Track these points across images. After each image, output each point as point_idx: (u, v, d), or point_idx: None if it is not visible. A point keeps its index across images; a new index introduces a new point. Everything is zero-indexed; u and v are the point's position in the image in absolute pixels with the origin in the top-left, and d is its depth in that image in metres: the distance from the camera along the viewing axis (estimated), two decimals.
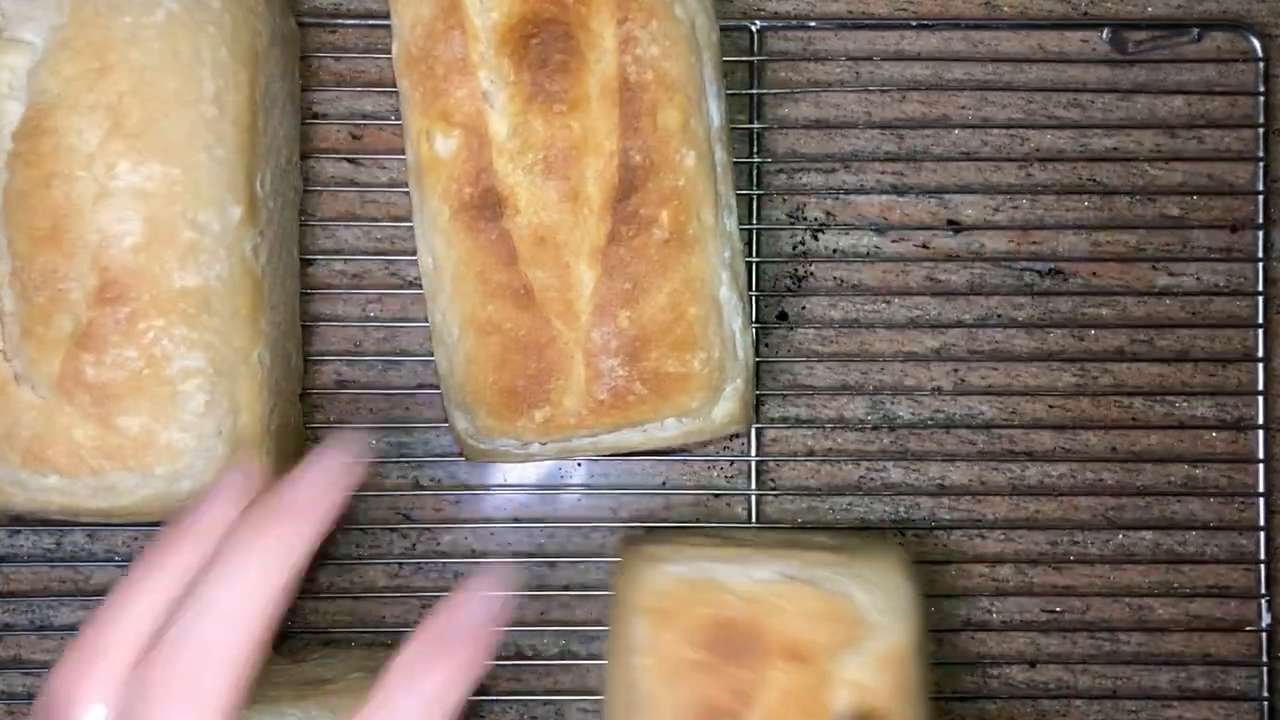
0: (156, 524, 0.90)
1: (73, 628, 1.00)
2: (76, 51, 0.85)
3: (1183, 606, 1.00)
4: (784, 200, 1.01)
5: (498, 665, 0.99)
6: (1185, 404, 1.01)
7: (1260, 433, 1.00)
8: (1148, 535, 1.01)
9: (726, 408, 0.90)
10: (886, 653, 0.86)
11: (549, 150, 0.85)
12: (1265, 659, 1.00)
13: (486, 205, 0.86)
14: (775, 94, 1.01)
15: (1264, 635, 1.00)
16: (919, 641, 0.87)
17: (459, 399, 0.90)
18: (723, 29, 0.97)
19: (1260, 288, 1.01)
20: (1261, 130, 1.01)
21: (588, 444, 0.90)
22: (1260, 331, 1.01)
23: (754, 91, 1.00)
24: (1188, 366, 1.01)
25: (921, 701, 0.87)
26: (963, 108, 1.02)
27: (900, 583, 0.87)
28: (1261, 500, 1.00)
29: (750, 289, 0.97)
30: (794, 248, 1.00)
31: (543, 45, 0.85)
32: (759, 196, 1.00)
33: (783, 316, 1.00)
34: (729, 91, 0.96)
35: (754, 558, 0.88)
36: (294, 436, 0.96)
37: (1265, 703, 0.99)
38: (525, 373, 0.87)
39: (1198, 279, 1.01)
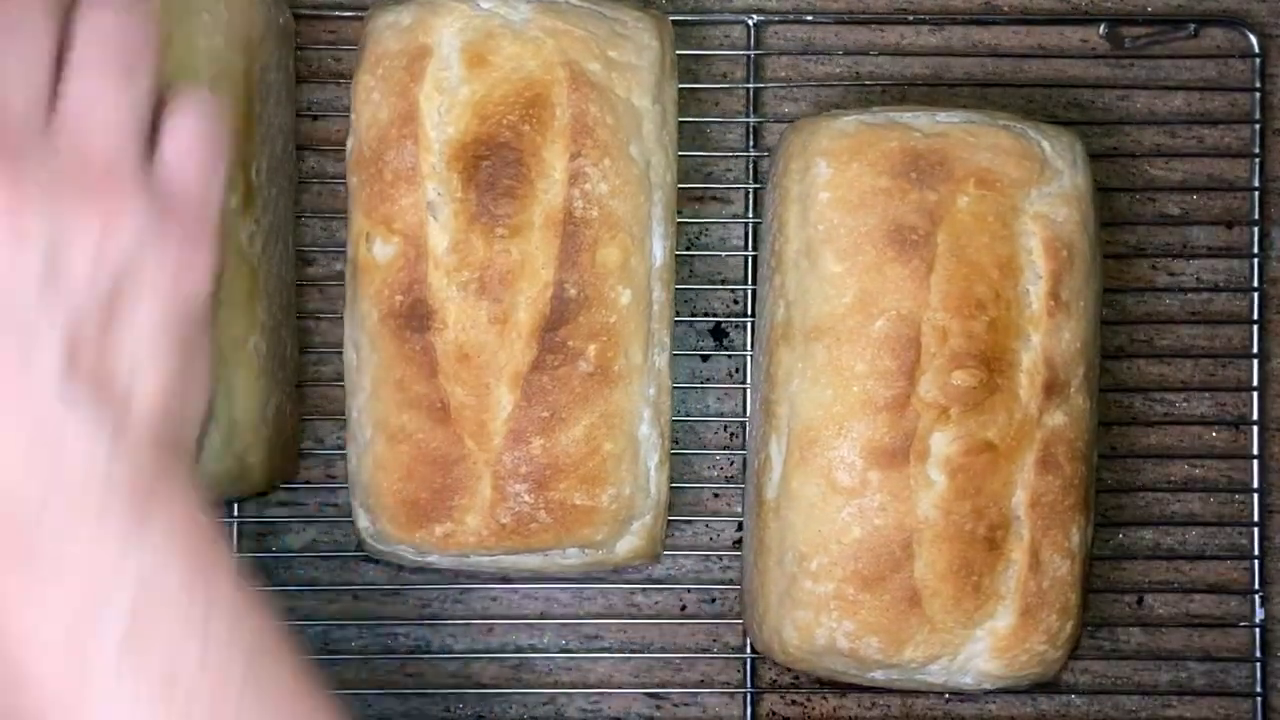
0: None
1: None
2: None
3: (1182, 604, 1.00)
4: (813, 91, 1.02)
5: (498, 665, 0.99)
6: (1184, 401, 1.01)
7: (1256, 429, 1.00)
8: (1147, 533, 1.00)
9: (631, 543, 0.90)
10: (1071, 194, 0.88)
11: (485, 271, 0.85)
12: (1259, 654, 0.99)
13: (415, 315, 0.86)
14: (772, 88, 1.02)
15: (1258, 630, 0.99)
16: (1095, 200, 0.90)
17: (363, 499, 0.90)
18: (719, 23, 1.00)
19: (1257, 284, 1.00)
20: (1258, 126, 1.01)
21: (487, 561, 0.90)
22: (1257, 328, 1.00)
23: (750, 85, 1.01)
24: (1187, 364, 1.01)
25: (1097, 257, 0.90)
26: (963, 107, 1.00)
27: (1076, 141, 0.90)
28: (1256, 496, 1.00)
29: (748, 281, 0.98)
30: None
31: (493, 168, 0.85)
32: (755, 191, 1.00)
33: None
34: (725, 85, 0.99)
35: (937, 108, 0.91)
36: (289, 427, 0.96)
37: (1259, 699, 0.99)
38: (431, 486, 0.87)
39: (1196, 277, 1.01)
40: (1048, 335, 0.86)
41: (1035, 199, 0.87)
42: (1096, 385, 0.90)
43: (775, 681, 1.00)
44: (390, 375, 0.87)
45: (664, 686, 1.00)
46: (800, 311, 0.87)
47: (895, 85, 1.01)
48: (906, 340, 0.85)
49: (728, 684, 1.00)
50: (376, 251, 0.87)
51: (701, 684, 1.00)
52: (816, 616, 0.86)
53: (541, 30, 0.86)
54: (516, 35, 0.86)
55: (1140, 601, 1.00)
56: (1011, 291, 0.86)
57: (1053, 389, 0.86)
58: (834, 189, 0.87)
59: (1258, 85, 1.01)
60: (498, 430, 0.86)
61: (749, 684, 0.99)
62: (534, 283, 0.86)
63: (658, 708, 1.00)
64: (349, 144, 0.89)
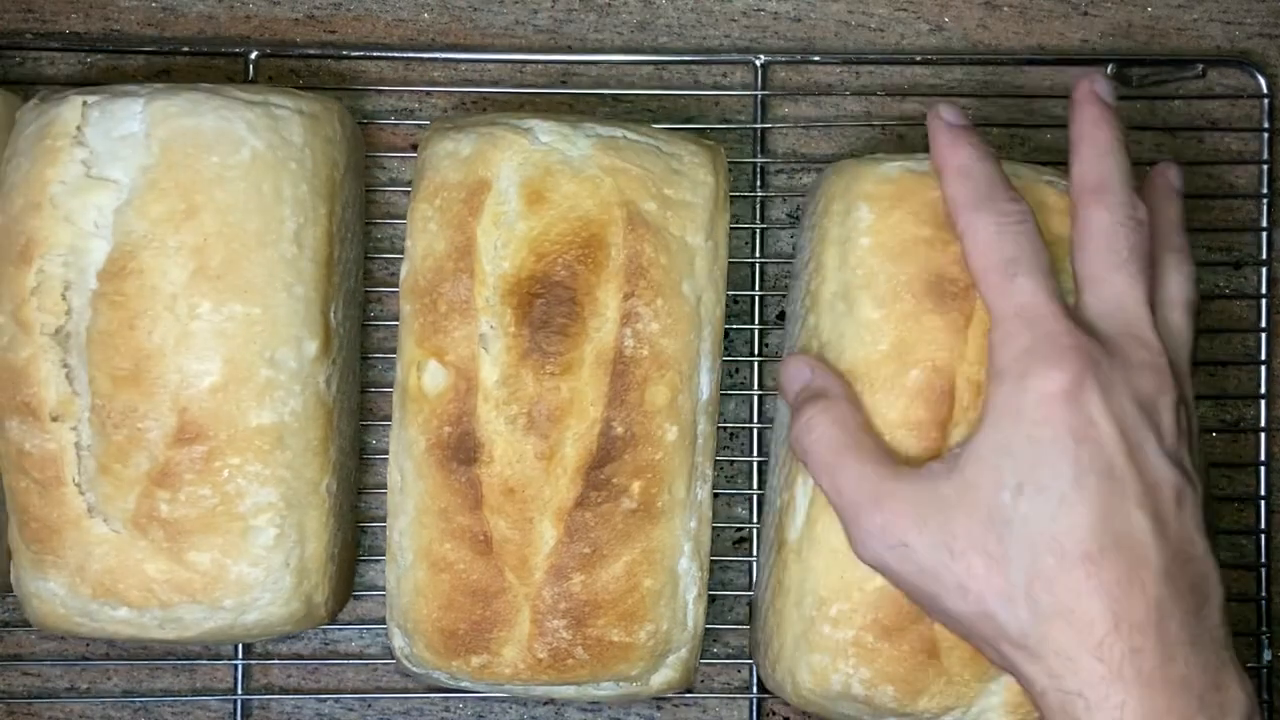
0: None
1: None
2: (164, 192, 0.85)
3: None
4: (784, 200, 1.02)
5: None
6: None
7: (1261, 435, 1.01)
8: None
9: (666, 675, 0.91)
10: None
11: (534, 407, 0.85)
12: (1266, 697, 1.00)
13: (462, 448, 0.86)
14: (775, 95, 1.02)
15: (1264, 639, 1.00)
16: None
17: (401, 621, 0.90)
18: (724, 63, 1.01)
19: (1264, 290, 1.00)
20: (1266, 167, 1.01)
21: (519, 690, 0.90)
22: (1263, 335, 1.00)
23: (758, 93, 1.01)
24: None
25: None
26: (963, 108, 1.00)
27: None
28: (1262, 504, 1.00)
29: (754, 288, 1.00)
30: (794, 247, 0.99)
31: (547, 306, 0.85)
32: (762, 231, 1.01)
33: (782, 316, 1.01)
34: (729, 94, 1.00)
35: None
36: (350, 557, 0.97)
37: (1265, 705, 0.99)
38: (469, 617, 0.87)
39: (1199, 281, 0.99)
40: None
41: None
42: None
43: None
44: (434, 504, 0.87)
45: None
46: (834, 354, 0.87)
47: (903, 125, 1.02)
48: (940, 392, 0.84)
49: (728, 685, 1.01)
50: (427, 381, 0.87)
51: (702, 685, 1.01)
52: (833, 661, 0.86)
53: (599, 168, 0.86)
54: (575, 173, 0.86)
55: None
56: None
57: None
58: (875, 235, 0.86)
59: (1265, 125, 1.01)
60: (539, 565, 0.86)
61: (754, 688, 1.00)
62: (582, 420, 0.85)
63: (658, 708, 1.01)
64: (403, 270, 0.89)
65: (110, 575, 0.87)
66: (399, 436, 0.89)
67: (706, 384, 0.89)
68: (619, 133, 0.88)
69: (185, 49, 1.02)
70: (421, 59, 1.03)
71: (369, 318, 1.01)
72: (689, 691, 0.98)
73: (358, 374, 0.97)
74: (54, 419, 0.86)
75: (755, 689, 1.00)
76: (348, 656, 1.02)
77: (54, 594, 0.88)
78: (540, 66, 1.03)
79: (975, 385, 0.84)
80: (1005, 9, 1.03)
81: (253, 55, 1.01)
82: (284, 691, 1.02)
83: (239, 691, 1.01)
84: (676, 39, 1.02)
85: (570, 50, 1.03)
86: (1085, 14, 1.03)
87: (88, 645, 1.02)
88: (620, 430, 0.86)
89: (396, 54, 1.03)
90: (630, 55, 1.02)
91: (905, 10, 1.03)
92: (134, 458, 0.86)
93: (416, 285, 0.88)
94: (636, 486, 0.86)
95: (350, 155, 0.93)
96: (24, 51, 1.03)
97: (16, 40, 1.03)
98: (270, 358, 0.86)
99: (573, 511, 0.86)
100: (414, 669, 0.92)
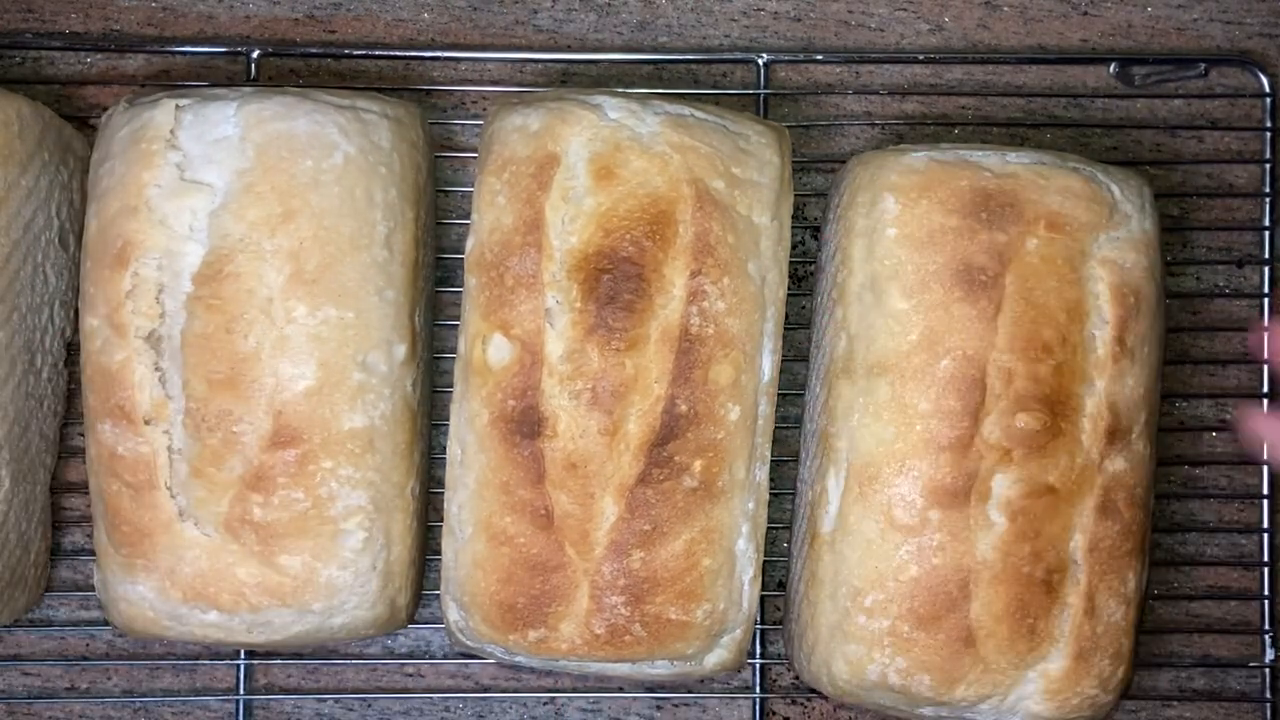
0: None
1: (74, 624, 0.99)
2: (260, 196, 0.85)
3: (1183, 607, 1.02)
4: (830, 133, 1.03)
5: (498, 665, 0.99)
6: (1186, 405, 1.02)
7: (1265, 469, 1.00)
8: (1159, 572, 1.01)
9: (720, 656, 0.91)
10: (1140, 239, 0.88)
11: (599, 383, 0.85)
12: (1268, 695, 1.00)
13: (526, 421, 0.86)
14: (778, 94, 1.02)
15: (1267, 637, 1.00)
16: (1162, 246, 0.90)
17: (457, 595, 0.89)
18: (728, 62, 1.01)
19: (1266, 289, 1.01)
20: (1268, 165, 1.01)
21: (574, 666, 0.90)
22: (1265, 334, 0.97)
23: (760, 92, 1.02)
24: (1188, 367, 1.02)
25: (1161, 303, 0.90)
26: (963, 108, 1.03)
27: (1145, 185, 0.91)
28: (1266, 502, 1.01)
29: None
30: (794, 247, 1.00)
31: (614, 282, 0.85)
32: None
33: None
34: (731, 93, 1.00)
35: (1007, 148, 0.90)
36: (423, 558, 0.96)
37: (1268, 704, 1.00)
38: (529, 591, 0.87)
39: (1198, 279, 1.02)
40: (1112, 381, 0.87)
41: (1104, 243, 0.88)
42: (1155, 430, 0.91)
43: (776, 682, 1.00)
44: (496, 477, 0.86)
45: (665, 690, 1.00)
46: (863, 346, 0.87)
47: (903, 125, 1.02)
48: (972, 381, 0.86)
49: (727, 685, 1.01)
50: (492, 355, 0.86)
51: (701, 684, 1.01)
52: (869, 652, 0.87)
53: (669, 145, 0.86)
54: (644, 149, 0.86)
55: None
56: (1078, 336, 0.86)
57: (1115, 435, 0.87)
58: (902, 225, 0.87)
59: (1268, 124, 1.01)
60: (599, 541, 0.86)
61: (758, 688, 1.00)
62: (646, 397, 0.86)
63: (658, 708, 1.01)
64: (469, 243, 0.89)
65: (201, 579, 0.87)
66: (460, 410, 0.89)
67: (768, 365, 0.90)
68: (687, 111, 0.88)
69: (187, 48, 1.01)
70: (422, 58, 1.02)
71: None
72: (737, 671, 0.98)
73: (432, 374, 0.97)
74: (147, 422, 0.86)
75: (758, 689, 1.00)
76: (348, 656, 1.00)
77: (143, 597, 0.88)
78: (540, 66, 1.03)
79: (1006, 373, 0.85)
80: (1005, 9, 1.04)
81: (255, 54, 1.00)
82: (284, 691, 1.00)
83: (240, 691, 0.99)
84: (676, 38, 1.03)
85: (570, 49, 1.03)
86: (1085, 14, 1.04)
87: (87, 645, 1.00)
88: (684, 408, 0.86)
89: (398, 53, 1.02)
90: (632, 54, 1.03)
91: (905, 10, 1.04)
92: (228, 461, 0.85)
93: (483, 259, 0.88)
94: (698, 465, 0.86)
95: (430, 156, 0.93)
96: (24, 51, 1.02)
97: (17, 40, 1.01)
98: (363, 361, 0.86)
99: (635, 488, 0.86)
100: (469, 642, 0.91)
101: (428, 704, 1.01)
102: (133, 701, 1.00)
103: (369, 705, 1.00)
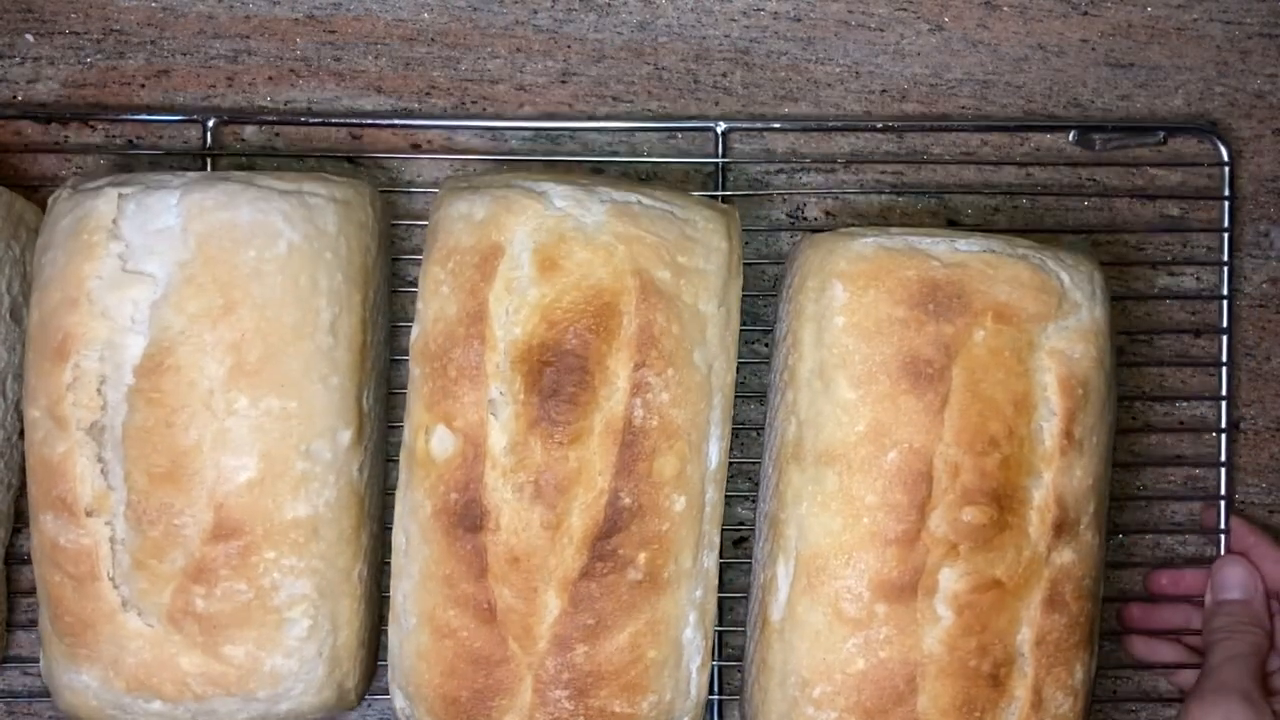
0: None
1: (29, 696, 0.99)
2: (201, 288, 0.84)
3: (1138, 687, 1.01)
4: (784, 200, 1.02)
5: None
6: (1185, 405, 1.02)
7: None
8: (1147, 536, 1.02)
9: None
10: (1090, 328, 0.87)
11: (542, 476, 0.84)
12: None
13: (468, 515, 0.85)
14: (775, 96, 1.02)
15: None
16: (1112, 332, 0.89)
17: (403, 684, 0.89)
18: (687, 130, 1.00)
19: (1225, 393, 1.00)
20: (1226, 235, 1.00)
21: None
22: (1223, 404, 1.00)
23: (719, 160, 1.01)
24: (1187, 369, 1.02)
25: (1111, 391, 0.89)
26: (963, 108, 1.02)
27: (1095, 271, 0.89)
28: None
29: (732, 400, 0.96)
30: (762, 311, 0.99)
31: (557, 374, 0.84)
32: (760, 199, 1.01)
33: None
34: (721, 86, 0.99)
35: (956, 233, 0.89)
36: (375, 639, 0.95)
37: None
38: (472, 685, 0.86)
39: (1198, 279, 1.02)
40: (1060, 473, 0.86)
41: (1052, 334, 0.87)
42: (1105, 520, 0.90)
43: None
44: (439, 570, 0.86)
45: None
46: (812, 432, 0.87)
47: (865, 194, 1.02)
48: (918, 474, 0.85)
49: None
50: (435, 446, 0.86)
51: None
52: None
53: (613, 235, 0.85)
54: (588, 240, 0.85)
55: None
56: (1025, 428, 0.86)
57: (1063, 527, 0.86)
58: (850, 314, 0.87)
59: (1226, 194, 1.01)
60: (542, 635, 0.85)
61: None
62: (589, 490, 0.85)
63: None
64: (414, 332, 0.88)
65: (145, 669, 0.86)
66: (405, 499, 0.88)
67: (715, 452, 0.89)
68: (633, 197, 0.88)
69: (143, 115, 1.00)
70: (379, 126, 1.02)
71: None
72: None
73: (384, 450, 0.96)
74: (89, 514, 0.85)
75: None
76: None
77: (87, 686, 0.87)
78: (514, 132, 1.02)
79: (953, 466, 0.85)
80: (1005, 9, 1.03)
81: (210, 122, 1.00)
82: None
83: None
84: (676, 38, 1.02)
85: (570, 49, 1.02)
86: (1085, 14, 1.03)
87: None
88: (628, 501, 0.85)
89: (354, 120, 1.02)
90: (595, 123, 1.02)
91: (905, 10, 1.03)
92: (170, 554, 0.85)
93: (427, 349, 0.87)
94: (643, 557, 0.86)
95: (380, 230, 0.92)
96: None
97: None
98: (306, 450, 0.86)
99: (578, 582, 0.85)
100: None
101: None
102: None
103: (369, 705, 1.00)
